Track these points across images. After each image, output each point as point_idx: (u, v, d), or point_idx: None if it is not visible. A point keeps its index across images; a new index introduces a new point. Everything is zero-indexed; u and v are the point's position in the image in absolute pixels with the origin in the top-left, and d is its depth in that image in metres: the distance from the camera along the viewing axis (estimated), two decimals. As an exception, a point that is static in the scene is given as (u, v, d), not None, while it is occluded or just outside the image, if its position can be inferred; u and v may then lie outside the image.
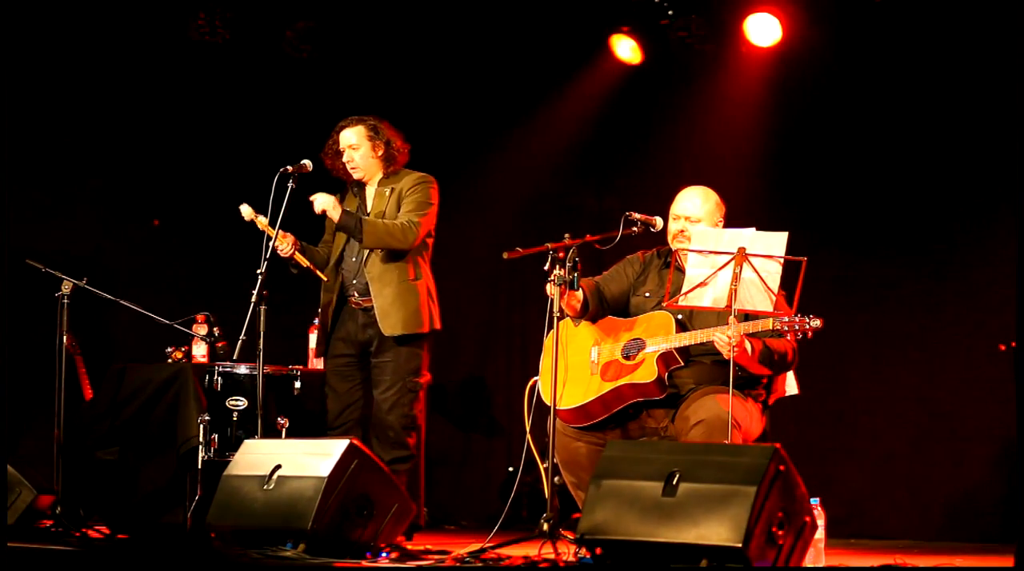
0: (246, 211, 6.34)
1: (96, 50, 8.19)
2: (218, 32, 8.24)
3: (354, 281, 6.50)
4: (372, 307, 6.43)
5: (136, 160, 8.49)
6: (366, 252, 6.47)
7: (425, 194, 6.51)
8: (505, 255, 5.60)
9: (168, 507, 6.59)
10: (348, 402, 6.52)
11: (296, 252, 6.39)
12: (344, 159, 6.53)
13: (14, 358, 6.09)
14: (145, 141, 8.51)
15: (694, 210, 5.74)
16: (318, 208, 6.40)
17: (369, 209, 6.56)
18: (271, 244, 6.25)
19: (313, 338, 7.03)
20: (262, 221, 6.29)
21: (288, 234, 6.37)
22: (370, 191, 6.59)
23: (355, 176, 6.56)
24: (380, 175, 6.58)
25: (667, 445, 5.28)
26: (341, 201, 6.55)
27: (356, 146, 6.52)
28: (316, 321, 6.86)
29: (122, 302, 6.80)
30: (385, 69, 8.67)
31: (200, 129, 8.58)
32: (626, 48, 8.37)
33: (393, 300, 6.41)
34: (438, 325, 6.57)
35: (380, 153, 6.53)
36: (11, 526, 6.17)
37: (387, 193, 6.52)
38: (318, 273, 6.50)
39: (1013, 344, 7.18)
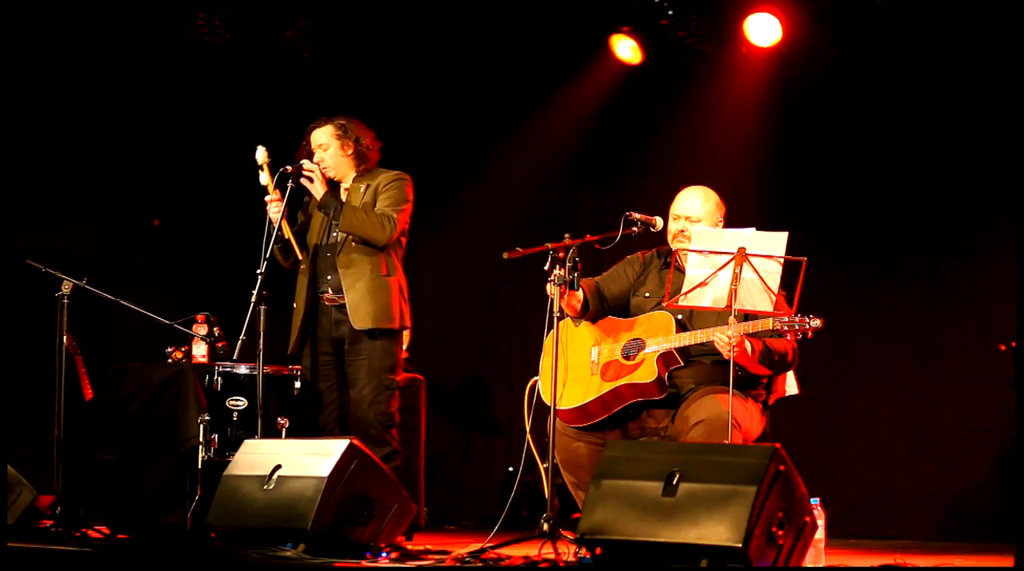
0: (261, 155, 6.31)
1: (96, 50, 8.19)
2: (218, 32, 8.24)
3: (328, 277, 6.44)
4: (344, 304, 6.40)
5: (136, 160, 8.50)
6: (339, 247, 6.44)
7: (402, 191, 6.46)
8: (505, 255, 5.59)
9: (168, 507, 6.59)
10: (327, 402, 6.49)
11: (285, 221, 6.37)
12: (315, 159, 6.51)
13: (14, 358, 6.09)
14: (145, 141, 8.51)
15: (694, 210, 5.74)
16: (304, 172, 6.35)
17: None
18: (273, 231, 6.25)
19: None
20: (268, 178, 6.28)
21: (282, 201, 6.35)
22: (344, 191, 6.57)
23: (328, 175, 6.52)
24: (353, 174, 6.55)
25: (667, 445, 5.28)
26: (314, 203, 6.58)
27: (325, 146, 6.49)
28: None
29: (122, 302, 6.80)
30: (385, 69, 8.67)
31: (200, 129, 8.58)
32: (626, 48, 8.38)
33: (364, 294, 6.36)
34: (408, 323, 6.49)
35: (350, 151, 6.50)
36: (11, 526, 6.16)
37: (362, 189, 6.46)
38: (297, 250, 6.42)
39: (1013, 344, 7.18)
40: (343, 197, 6.50)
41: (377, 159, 6.58)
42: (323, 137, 6.50)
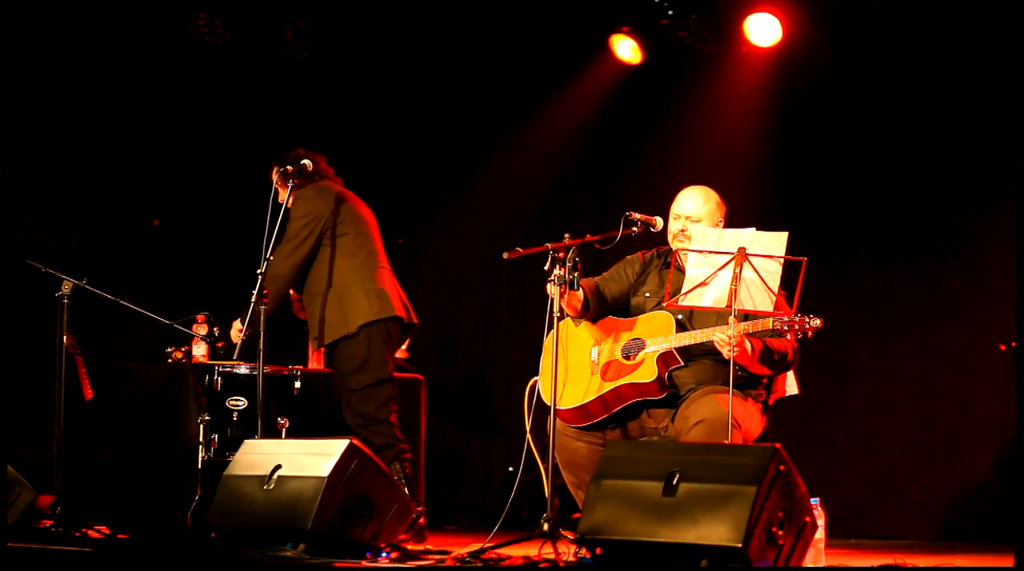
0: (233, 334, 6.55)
1: (96, 49, 8.19)
2: (218, 32, 8.24)
3: None
4: None
5: (136, 160, 8.50)
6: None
7: (293, 215, 6.52)
8: (505, 255, 5.59)
9: (168, 507, 6.59)
10: (335, 406, 6.60)
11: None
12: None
13: (14, 358, 6.09)
14: (145, 141, 8.51)
15: (694, 209, 5.74)
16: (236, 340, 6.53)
17: None
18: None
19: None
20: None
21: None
22: None
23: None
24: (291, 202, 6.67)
25: (667, 445, 5.28)
26: None
27: (274, 185, 6.62)
28: None
29: (122, 302, 6.80)
30: (385, 69, 8.67)
31: (200, 129, 8.58)
32: (626, 48, 8.38)
33: (309, 317, 6.58)
34: (368, 317, 6.47)
35: (288, 183, 6.56)
36: (11, 526, 6.16)
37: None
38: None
39: (1013, 344, 7.18)
40: None
41: (308, 173, 6.57)
42: (273, 181, 6.63)
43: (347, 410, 6.49)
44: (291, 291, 6.61)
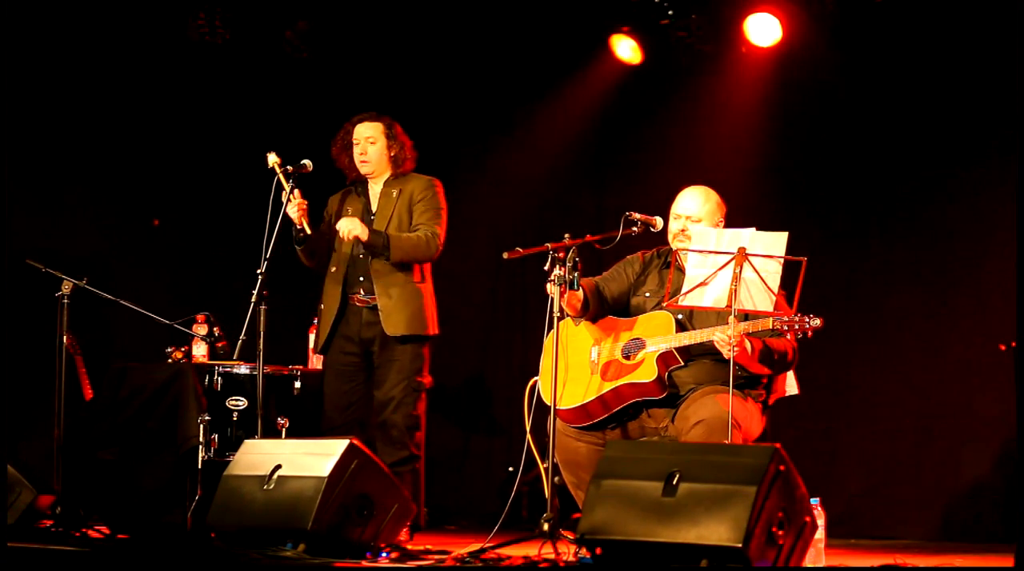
0: (271, 159, 6.32)
1: (96, 50, 8.19)
2: (218, 32, 8.24)
3: (360, 278, 6.49)
4: (376, 305, 6.43)
5: (136, 160, 8.49)
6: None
7: (437, 200, 6.57)
8: (505, 255, 5.60)
9: (168, 507, 6.60)
10: (349, 402, 6.53)
11: (304, 219, 6.37)
12: (357, 151, 6.55)
13: (14, 358, 6.09)
14: (145, 141, 8.51)
15: (695, 209, 5.74)
16: (347, 236, 6.36)
17: (374, 208, 6.57)
18: (280, 214, 6.27)
19: (313, 338, 7.03)
20: (284, 181, 6.28)
21: (303, 199, 6.38)
22: (375, 190, 6.61)
23: (363, 170, 6.57)
24: (388, 175, 6.60)
25: (667, 445, 5.28)
26: (342, 199, 6.62)
27: (374, 139, 6.55)
28: (316, 321, 6.83)
29: (122, 302, 6.80)
30: (385, 69, 8.67)
31: (200, 129, 8.58)
32: (626, 48, 8.37)
33: (397, 300, 6.43)
34: (437, 329, 6.59)
35: (393, 153, 6.57)
36: (11, 526, 6.16)
37: (394, 194, 6.53)
38: (307, 228, 6.40)
39: (1013, 344, 7.18)
40: (373, 197, 6.55)
41: (412, 168, 6.63)
42: (371, 131, 6.57)
43: (398, 407, 6.42)
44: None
